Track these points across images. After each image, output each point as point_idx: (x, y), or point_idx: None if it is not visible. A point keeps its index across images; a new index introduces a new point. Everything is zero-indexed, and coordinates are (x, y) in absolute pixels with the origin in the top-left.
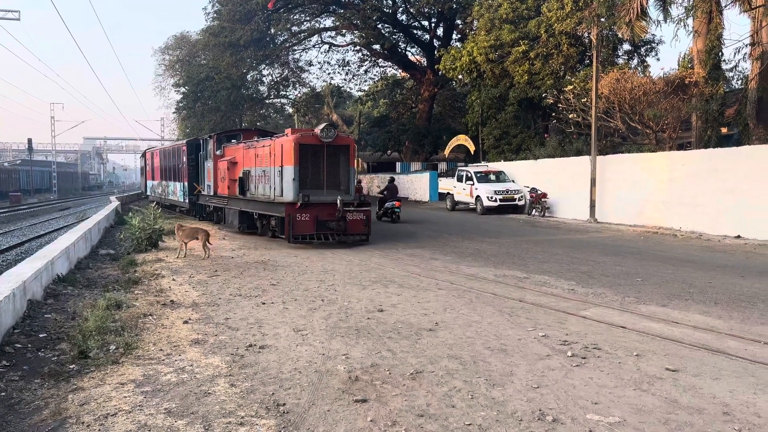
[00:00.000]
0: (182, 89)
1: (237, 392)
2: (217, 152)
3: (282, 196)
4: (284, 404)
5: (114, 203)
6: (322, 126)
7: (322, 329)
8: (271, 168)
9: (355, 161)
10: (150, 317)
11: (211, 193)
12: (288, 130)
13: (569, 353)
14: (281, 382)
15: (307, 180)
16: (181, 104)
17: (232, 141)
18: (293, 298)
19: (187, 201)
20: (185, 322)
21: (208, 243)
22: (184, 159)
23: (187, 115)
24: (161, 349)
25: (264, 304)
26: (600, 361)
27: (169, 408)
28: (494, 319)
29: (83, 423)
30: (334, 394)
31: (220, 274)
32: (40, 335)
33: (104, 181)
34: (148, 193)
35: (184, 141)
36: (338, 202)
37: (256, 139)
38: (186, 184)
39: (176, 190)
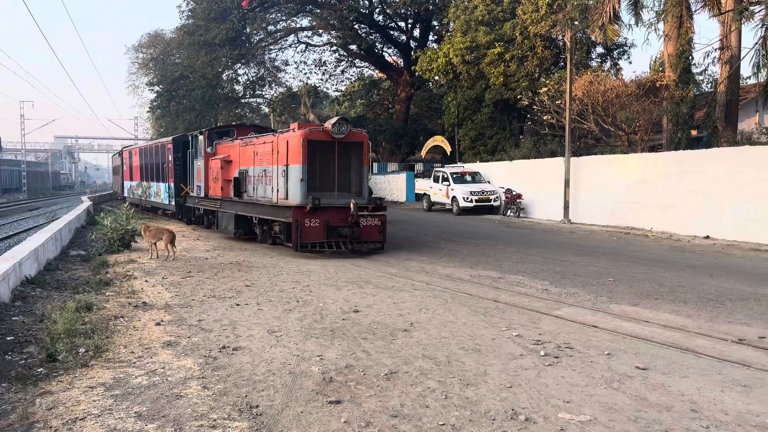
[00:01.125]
0: (156, 88)
1: (209, 395)
2: (209, 150)
3: (287, 198)
4: (257, 406)
5: (85, 203)
6: (333, 120)
7: (296, 330)
8: (274, 167)
9: (369, 160)
10: (121, 319)
11: (202, 195)
12: (294, 125)
13: (542, 353)
14: (254, 383)
15: (316, 181)
16: (155, 103)
17: (224, 138)
18: (268, 300)
19: (173, 203)
20: (157, 324)
21: (171, 245)
22: (170, 157)
23: (161, 114)
24: (132, 352)
25: (238, 305)
26: (572, 360)
27: (140, 411)
28: (469, 319)
29: (51, 427)
30: (307, 396)
31: (194, 275)
32: (8, 338)
33: (76, 181)
34: (126, 194)
35: (170, 138)
36: (352, 205)
37: (253, 135)
38: (172, 184)
39: (160, 192)
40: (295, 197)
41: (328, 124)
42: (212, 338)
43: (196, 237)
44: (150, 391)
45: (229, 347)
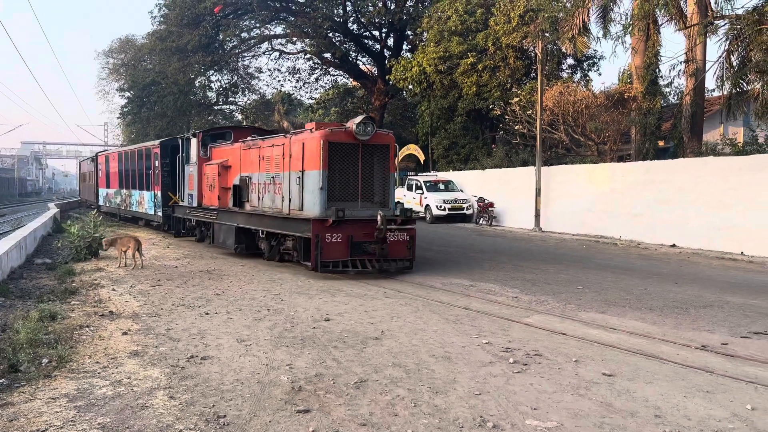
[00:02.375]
0: (127, 94)
1: (176, 405)
2: (203, 154)
3: (302, 209)
4: (225, 416)
5: (52, 210)
6: (358, 120)
7: (266, 339)
8: (285, 174)
9: (396, 165)
10: (87, 329)
11: (194, 205)
12: (311, 125)
13: (511, 360)
14: (222, 393)
15: (336, 189)
16: (125, 109)
17: (220, 141)
18: (238, 308)
19: (159, 214)
20: (124, 334)
21: (138, 253)
22: (157, 163)
23: (132, 120)
24: (97, 362)
25: (208, 314)
26: (540, 368)
27: (104, 423)
28: (439, 327)
29: None
30: (276, 405)
31: (163, 284)
32: None
33: (43, 188)
34: (101, 203)
35: (157, 141)
36: (379, 218)
37: (255, 137)
38: (158, 193)
39: (143, 201)
40: (313, 208)
41: (352, 124)
42: (180, 347)
43: (166, 245)
44: (114, 401)
45: (197, 356)
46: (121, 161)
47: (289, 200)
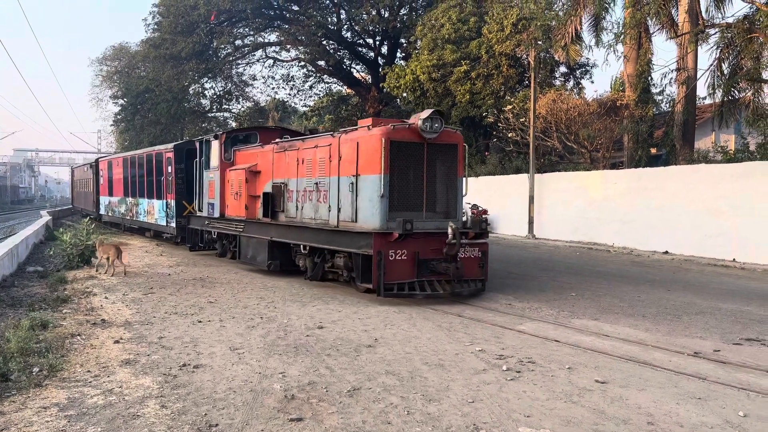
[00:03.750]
0: (120, 101)
1: (168, 414)
2: (226, 158)
3: (355, 221)
4: (217, 425)
5: (45, 218)
6: (425, 114)
7: (259, 347)
8: (332, 179)
9: (465, 168)
10: (78, 337)
11: (216, 215)
12: (366, 121)
13: (504, 367)
14: (215, 402)
15: (398, 197)
16: (119, 116)
17: (241, 144)
18: (231, 316)
19: (173, 225)
20: (116, 342)
21: (119, 259)
22: (170, 169)
23: (126, 127)
24: (89, 371)
25: (200, 322)
26: (534, 375)
27: None
28: (433, 335)
29: None
30: (269, 414)
31: (156, 292)
32: None
33: (36, 195)
34: (103, 212)
35: (171, 145)
36: (451, 230)
37: (286, 138)
38: (171, 201)
39: (153, 210)
40: (371, 219)
41: (417, 120)
42: (173, 356)
43: (159, 252)
44: (106, 411)
45: (189, 365)
46: (127, 167)
47: (338, 210)
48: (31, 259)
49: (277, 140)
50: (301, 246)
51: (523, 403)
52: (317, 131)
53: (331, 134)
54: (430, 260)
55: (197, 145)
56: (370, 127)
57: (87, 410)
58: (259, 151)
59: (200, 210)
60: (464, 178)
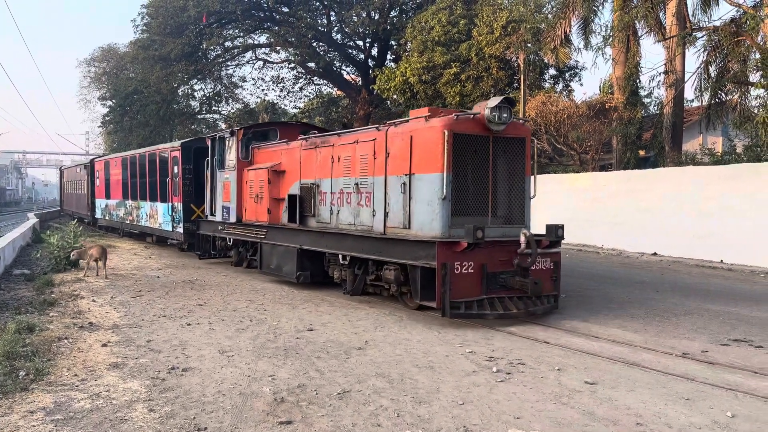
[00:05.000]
0: (109, 102)
1: (156, 417)
2: (243, 157)
3: (408, 227)
4: (205, 428)
5: (32, 220)
6: (494, 102)
7: (249, 350)
8: (377, 179)
9: (534, 166)
10: (65, 341)
11: (232, 220)
12: (422, 111)
13: (494, 369)
14: (203, 405)
15: (458, 200)
16: (107, 118)
17: (262, 141)
18: (220, 319)
19: (180, 230)
20: (104, 345)
21: (99, 261)
22: (176, 169)
23: (114, 129)
24: (76, 375)
25: (189, 325)
26: (523, 376)
27: None
28: (423, 336)
29: None
30: (258, 417)
31: (145, 295)
32: None
33: (23, 197)
34: (99, 215)
35: (178, 143)
36: (524, 239)
37: (315, 133)
38: (178, 205)
39: (156, 214)
40: (429, 225)
41: (483, 109)
42: (161, 359)
43: (148, 255)
44: (93, 415)
45: (178, 368)
46: (126, 168)
47: (385, 214)
48: (17, 262)
49: (305, 136)
50: (340, 256)
51: (513, 405)
52: (352, 126)
53: (377, 127)
54: (499, 273)
55: (209, 142)
56: (428, 117)
57: (74, 414)
58: (283, 148)
59: (212, 214)
60: (534, 178)
